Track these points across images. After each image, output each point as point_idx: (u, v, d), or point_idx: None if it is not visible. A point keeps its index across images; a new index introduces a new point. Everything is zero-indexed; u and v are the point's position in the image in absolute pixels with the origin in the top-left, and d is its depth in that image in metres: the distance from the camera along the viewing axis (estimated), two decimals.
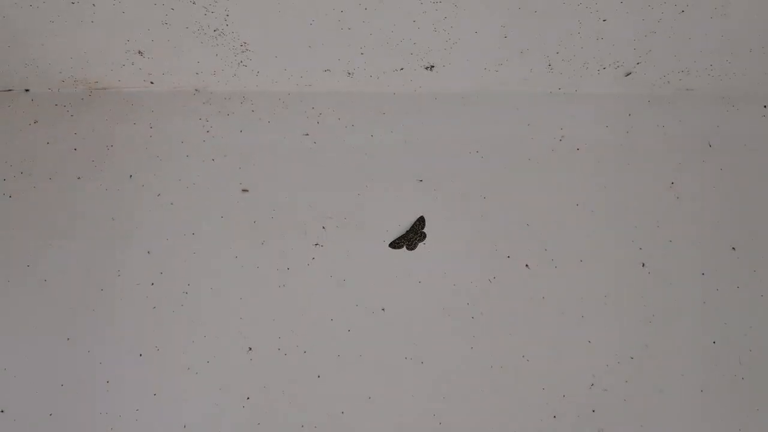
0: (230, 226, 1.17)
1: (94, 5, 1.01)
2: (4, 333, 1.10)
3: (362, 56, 1.14)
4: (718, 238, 1.19)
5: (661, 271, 1.17)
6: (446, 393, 1.10)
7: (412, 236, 1.16)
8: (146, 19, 1.04)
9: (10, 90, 1.23)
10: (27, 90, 1.23)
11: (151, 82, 1.22)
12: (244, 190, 1.17)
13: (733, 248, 1.18)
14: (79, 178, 1.19)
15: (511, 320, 1.14)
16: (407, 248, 1.15)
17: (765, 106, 1.25)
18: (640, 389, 1.12)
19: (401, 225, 1.18)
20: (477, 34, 1.09)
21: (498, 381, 1.11)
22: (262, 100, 1.24)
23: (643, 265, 1.17)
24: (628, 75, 1.07)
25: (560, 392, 1.11)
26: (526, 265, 1.16)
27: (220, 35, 1.08)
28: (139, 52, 1.13)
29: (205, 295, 1.13)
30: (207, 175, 1.20)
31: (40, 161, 1.18)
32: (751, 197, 1.20)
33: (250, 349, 1.11)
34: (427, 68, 1.17)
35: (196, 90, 1.25)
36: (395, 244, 1.15)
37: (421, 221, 1.16)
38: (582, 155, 1.23)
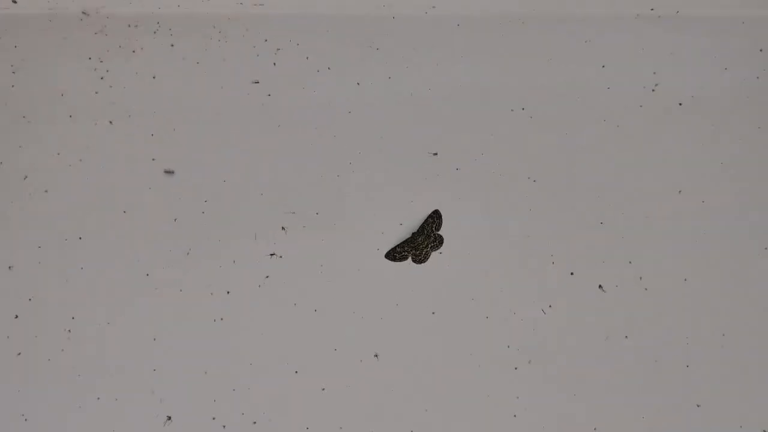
0: (137, 226, 1.00)
1: None
2: None
3: None
4: None
5: None
6: None
7: (422, 242, 0.99)
8: None
9: None
10: None
11: (14, 1, 1.07)
12: (168, 172, 1.00)
13: None
14: None
15: (576, 372, 0.95)
16: (414, 260, 0.99)
17: None
18: None
19: (404, 224, 1.01)
20: None
21: None
22: (186, 29, 1.08)
23: None
24: None
25: None
26: (600, 286, 0.96)
27: None
28: None
29: (97, 334, 0.96)
30: (101, 145, 1.02)
31: None
32: None
33: (169, 418, 0.92)
34: None
35: (84, 13, 1.08)
36: (396, 254, 0.99)
37: (434, 219, 1.00)
38: (686, 114, 1.06)
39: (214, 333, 0.95)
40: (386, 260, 0.98)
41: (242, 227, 1.00)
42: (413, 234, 0.98)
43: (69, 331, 0.92)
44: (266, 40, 1.06)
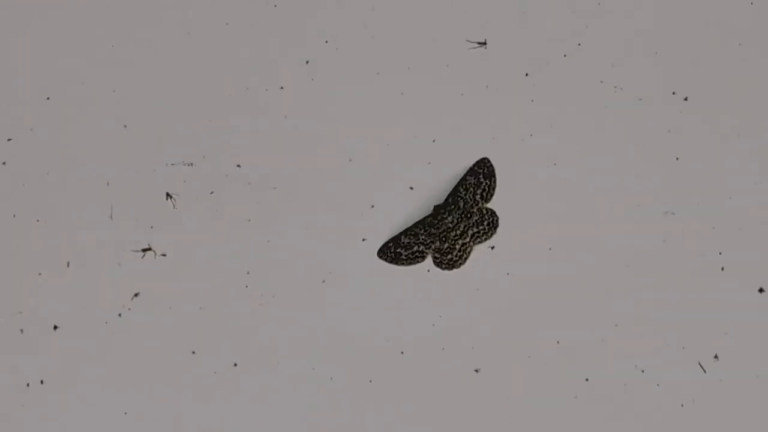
0: None
1: None
2: None
3: None
4: None
5: None
6: None
7: (454, 224, 0.72)
8: None
9: None
10: None
11: None
12: None
13: None
14: None
15: None
16: (438, 261, 0.71)
17: None
18: None
19: (417, 188, 0.73)
20: None
21: None
22: None
23: None
24: None
25: None
26: None
27: None
28: None
29: None
30: None
31: None
32: None
33: None
34: None
35: None
36: (402, 250, 0.72)
37: (479, 177, 0.71)
38: None
39: (24, 410, 0.65)
40: (381, 261, 0.68)
41: (85, 195, 0.69)
42: (436, 208, 0.68)
43: None
44: None
